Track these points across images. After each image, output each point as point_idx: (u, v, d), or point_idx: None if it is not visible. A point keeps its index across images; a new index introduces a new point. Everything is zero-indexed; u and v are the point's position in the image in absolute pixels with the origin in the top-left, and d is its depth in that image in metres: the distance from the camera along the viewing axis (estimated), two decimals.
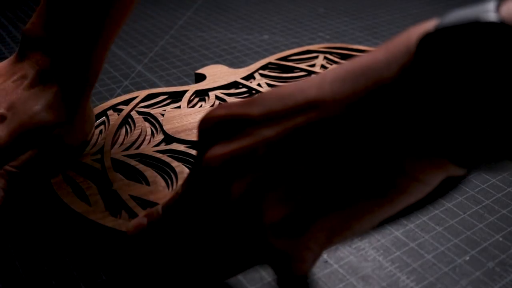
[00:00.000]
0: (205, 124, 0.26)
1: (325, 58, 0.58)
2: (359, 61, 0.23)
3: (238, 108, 0.25)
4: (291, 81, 0.53)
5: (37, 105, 0.39)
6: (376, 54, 0.22)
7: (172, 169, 0.39)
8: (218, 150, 0.25)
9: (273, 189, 0.23)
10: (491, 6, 0.18)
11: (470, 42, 0.17)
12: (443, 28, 0.18)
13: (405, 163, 0.21)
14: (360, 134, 0.21)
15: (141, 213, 0.34)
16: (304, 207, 0.22)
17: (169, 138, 0.43)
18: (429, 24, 0.20)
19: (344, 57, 0.58)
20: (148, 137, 0.43)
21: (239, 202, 0.24)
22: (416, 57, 0.19)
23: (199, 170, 0.26)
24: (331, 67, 0.55)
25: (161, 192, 0.36)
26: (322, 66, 0.56)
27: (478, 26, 0.17)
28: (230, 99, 0.49)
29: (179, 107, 0.47)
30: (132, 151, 0.41)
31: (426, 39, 0.18)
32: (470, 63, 0.17)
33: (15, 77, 0.40)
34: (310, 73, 0.54)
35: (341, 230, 0.23)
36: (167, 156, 0.40)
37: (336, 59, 0.57)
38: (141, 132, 0.44)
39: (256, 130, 0.24)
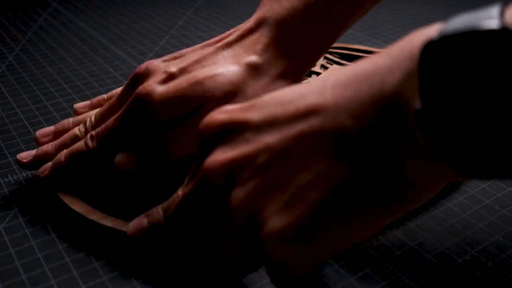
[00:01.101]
0: (206, 129, 0.26)
1: (325, 58, 0.58)
2: (361, 66, 0.22)
3: (238, 113, 0.25)
4: None
5: (218, 67, 0.33)
6: (378, 59, 0.22)
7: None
8: (218, 156, 0.25)
9: (274, 198, 0.23)
10: (494, 11, 0.18)
11: (474, 49, 0.17)
12: (446, 36, 0.18)
13: (407, 170, 0.21)
14: (360, 141, 0.21)
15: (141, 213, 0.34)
16: (306, 217, 0.22)
17: None
18: (432, 30, 0.20)
19: (344, 57, 0.58)
20: None
21: (237, 209, 0.24)
22: (420, 64, 0.19)
23: (199, 175, 0.26)
24: (331, 67, 0.55)
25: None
26: (322, 66, 0.56)
27: (481, 34, 0.17)
28: None
29: None
30: None
31: (430, 47, 0.18)
32: (474, 71, 0.17)
33: (223, 35, 0.36)
34: (310, 72, 0.54)
35: (342, 239, 0.22)
36: None
37: (336, 59, 0.57)
38: None
39: (256, 136, 0.24)
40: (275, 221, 0.23)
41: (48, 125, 0.47)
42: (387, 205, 0.22)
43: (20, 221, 0.36)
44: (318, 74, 0.54)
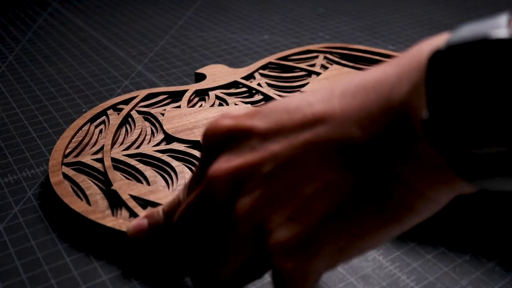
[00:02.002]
0: (211, 134, 0.26)
1: (325, 58, 0.58)
2: (370, 75, 0.22)
3: (244, 120, 0.25)
4: (291, 80, 0.53)
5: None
6: (387, 69, 0.22)
7: (172, 169, 0.39)
8: (223, 164, 0.24)
9: (280, 208, 0.23)
10: (502, 20, 0.17)
11: (481, 59, 0.17)
12: (453, 46, 0.18)
13: (413, 180, 0.20)
14: (368, 152, 0.21)
15: (142, 213, 0.34)
16: (312, 227, 0.22)
17: (169, 138, 0.43)
18: (440, 40, 0.20)
19: (344, 57, 0.58)
20: (148, 137, 0.43)
21: (243, 219, 0.23)
22: (427, 74, 0.18)
23: (204, 183, 0.25)
24: (331, 67, 0.55)
25: (161, 191, 0.36)
26: (322, 66, 0.56)
27: (489, 43, 0.17)
28: (230, 99, 0.49)
29: (179, 106, 0.47)
30: (132, 150, 0.41)
31: (437, 56, 0.18)
32: (482, 80, 0.17)
33: None
34: (310, 72, 0.54)
35: (348, 250, 0.22)
36: (167, 155, 0.40)
37: (336, 59, 0.57)
38: (141, 131, 0.44)
39: (262, 144, 0.23)
40: (281, 232, 0.22)
41: (48, 125, 0.47)
42: (395, 216, 0.21)
43: (20, 221, 0.36)
44: (318, 74, 0.54)
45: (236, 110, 0.26)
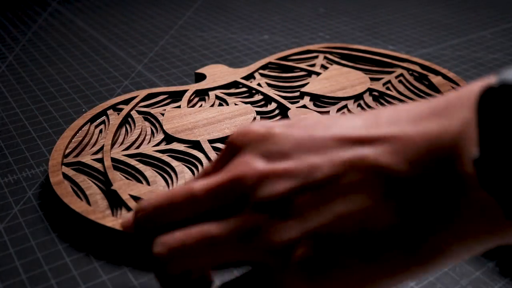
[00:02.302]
0: (240, 136, 0.25)
1: (325, 58, 0.58)
2: (418, 107, 0.22)
3: (278, 128, 0.25)
4: (291, 80, 0.53)
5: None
6: (435, 103, 0.21)
7: (172, 169, 0.39)
8: (257, 164, 0.23)
9: (306, 223, 0.22)
10: None
11: None
12: (505, 85, 0.17)
13: (456, 226, 0.20)
14: (411, 188, 0.20)
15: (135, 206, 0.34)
16: (333, 252, 0.21)
17: (169, 138, 0.43)
18: (491, 79, 0.19)
19: (344, 57, 0.58)
20: (148, 137, 0.43)
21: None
22: (478, 112, 0.18)
23: (228, 177, 0.24)
24: (331, 67, 0.55)
25: (161, 191, 0.36)
26: (322, 66, 0.56)
27: None
28: (230, 99, 0.49)
29: (179, 106, 0.47)
30: (132, 150, 0.41)
31: (489, 93, 0.18)
32: None
33: None
34: (310, 72, 0.54)
35: (364, 285, 0.21)
36: (167, 155, 0.40)
37: (336, 59, 0.57)
38: (141, 131, 0.44)
39: (300, 154, 0.23)
40: (301, 248, 0.22)
41: (48, 125, 0.47)
42: (423, 261, 0.20)
43: (20, 221, 0.36)
44: (318, 74, 0.54)
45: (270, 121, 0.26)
